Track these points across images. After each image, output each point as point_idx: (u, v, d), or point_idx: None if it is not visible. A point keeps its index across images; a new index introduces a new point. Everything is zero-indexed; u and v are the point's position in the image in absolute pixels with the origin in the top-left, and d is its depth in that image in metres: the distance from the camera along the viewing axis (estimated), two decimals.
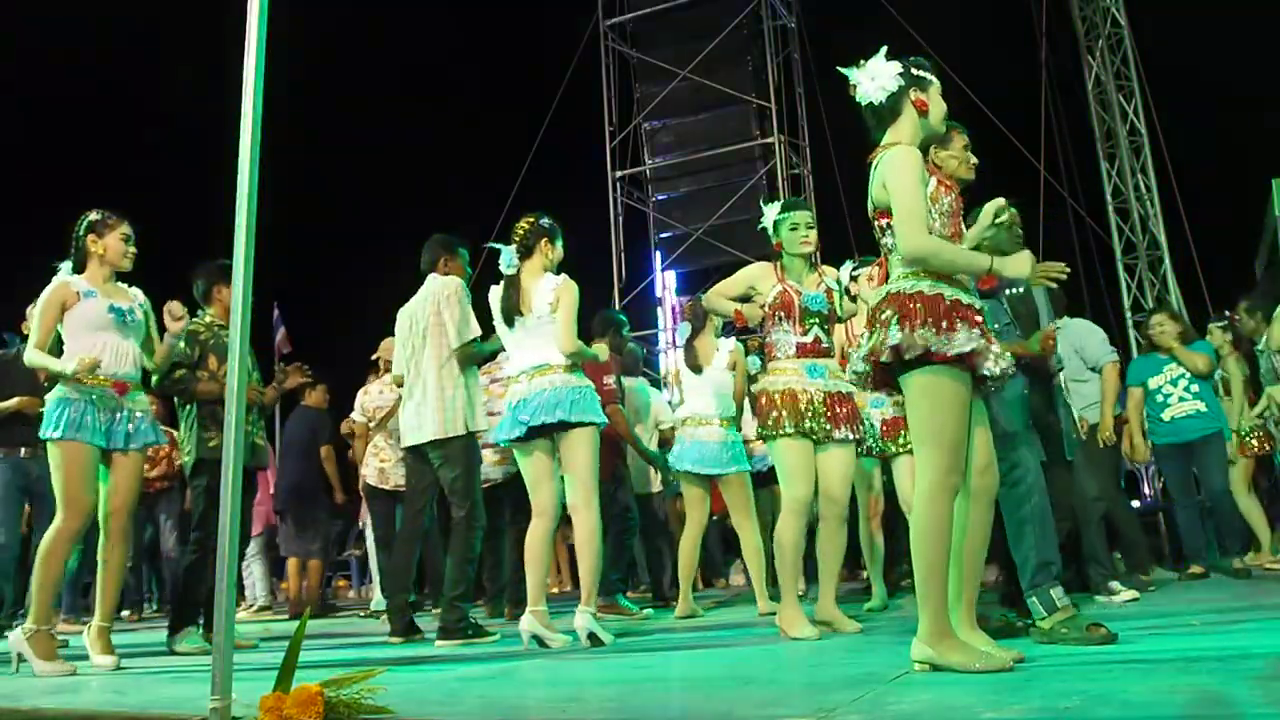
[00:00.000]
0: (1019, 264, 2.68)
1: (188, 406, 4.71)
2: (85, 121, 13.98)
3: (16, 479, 5.35)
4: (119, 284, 4.09)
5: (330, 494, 7.42)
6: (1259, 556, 6.73)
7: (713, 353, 5.24)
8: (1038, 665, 2.52)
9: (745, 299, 4.01)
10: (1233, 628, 3.27)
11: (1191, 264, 12.21)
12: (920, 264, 2.59)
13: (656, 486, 6.53)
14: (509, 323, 4.04)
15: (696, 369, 5.20)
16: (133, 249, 4.07)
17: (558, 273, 4.10)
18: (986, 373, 2.57)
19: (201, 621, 4.62)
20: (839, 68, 2.80)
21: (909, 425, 2.68)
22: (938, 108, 2.74)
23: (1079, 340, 5.34)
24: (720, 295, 4.06)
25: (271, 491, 7.90)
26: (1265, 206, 12.06)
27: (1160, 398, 6.06)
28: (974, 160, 3.30)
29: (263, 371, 5.22)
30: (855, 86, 2.74)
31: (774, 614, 4.91)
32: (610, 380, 5.50)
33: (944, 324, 2.53)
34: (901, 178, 2.59)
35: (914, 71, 2.71)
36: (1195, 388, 5.97)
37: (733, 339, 5.48)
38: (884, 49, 2.73)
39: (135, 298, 4.10)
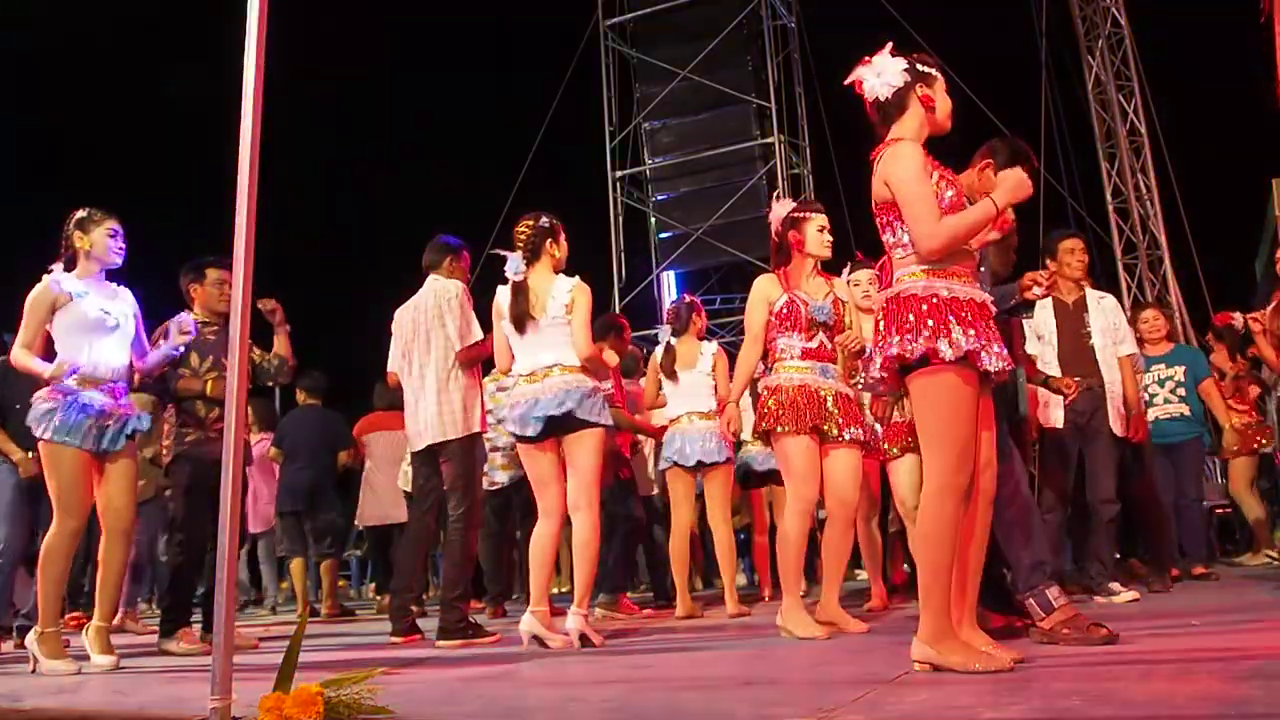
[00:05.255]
0: (1013, 188, 2.64)
1: (169, 406, 4.70)
2: (85, 122, 13.97)
3: (23, 483, 5.34)
4: (109, 284, 4.07)
5: (339, 493, 7.39)
6: (1256, 556, 6.74)
7: (696, 356, 5.26)
8: (1038, 665, 2.52)
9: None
10: (1233, 628, 3.28)
11: (1191, 264, 12.21)
12: (947, 250, 2.54)
13: (657, 488, 6.53)
14: (519, 327, 3.99)
15: (673, 374, 5.24)
16: (121, 245, 4.03)
17: (569, 272, 4.08)
18: (988, 369, 2.52)
19: (200, 622, 4.62)
20: (842, 75, 2.79)
21: (916, 426, 2.66)
22: (944, 103, 2.73)
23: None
24: (756, 342, 3.97)
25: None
26: (1265, 206, 12.06)
27: (1146, 396, 6.06)
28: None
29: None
30: (861, 83, 2.73)
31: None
32: (607, 385, 5.49)
33: (941, 324, 2.50)
34: (904, 170, 2.57)
35: (920, 68, 2.71)
36: (1182, 390, 5.96)
37: (714, 342, 5.50)
38: (889, 45, 2.73)
39: (125, 299, 4.08)
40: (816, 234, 3.95)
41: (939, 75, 2.74)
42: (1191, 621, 3.42)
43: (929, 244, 2.53)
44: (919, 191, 2.55)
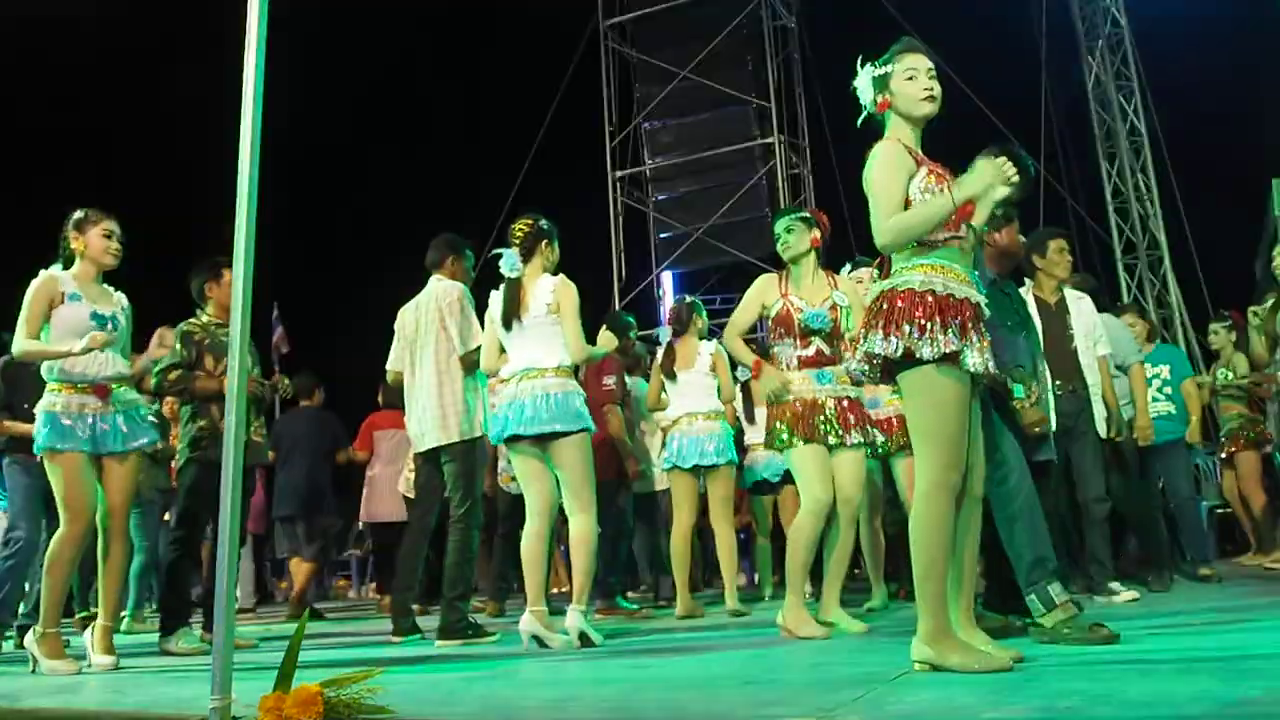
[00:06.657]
0: (979, 177, 2.56)
1: (185, 406, 4.72)
2: (84, 121, 13.96)
3: (37, 483, 5.36)
4: (105, 287, 4.05)
5: (334, 495, 7.38)
6: (1258, 556, 6.73)
7: (695, 356, 5.27)
8: (1038, 665, 2.52)
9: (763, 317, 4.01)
10: (1233, 628, 3.28)
11: (1191, 264, 12.21)
12: (898, 246, 2.58)
13: (661, 485, 6.53)
14: (507, 325, 4.02)
15: (672, 374, 5.24)
16: (116, 245, 4.01)
17: (555, 273, 4.11)
18: (971, 369, 2.52)
19: (201, 621, 4.62)
20: (842, 75, 2.82)
21: (907, 423, 2.67)
22: (903, 95, 2.69)
23: (1113, 334, 5.23)
24: (738, 334, 4.01)
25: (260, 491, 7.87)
26: (1265, 206, 12.04)
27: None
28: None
29: (263, 369, 5.22)
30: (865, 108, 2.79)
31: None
32: (610, 381, 5.50)
33: (927, 323, 2.50)
34: (874, 172, 2.64)
35: (875, 75, 2.74)
36: (1169, 389, 5.95)
37: (714, 342, 5.50)
38: (859, 59, 2.76)
39: (119, 303, 4.05)
40: (778, 243, 3.97)
41: (897, 63, 2.71)
42: (1191, 622, 3.42)
43: (880, 239, 2.60)
44: (880, 189, 2.62)
